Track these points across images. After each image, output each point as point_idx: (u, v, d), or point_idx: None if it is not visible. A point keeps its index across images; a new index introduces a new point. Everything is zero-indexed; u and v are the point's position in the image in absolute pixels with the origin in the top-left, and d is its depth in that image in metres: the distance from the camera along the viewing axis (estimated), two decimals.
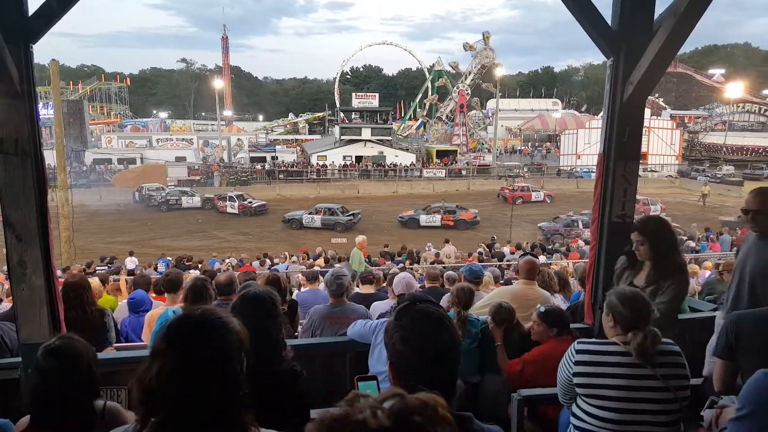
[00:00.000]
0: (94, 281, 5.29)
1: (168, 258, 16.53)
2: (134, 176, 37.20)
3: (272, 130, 65.62)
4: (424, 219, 27.77)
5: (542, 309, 3.09)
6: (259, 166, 43.90)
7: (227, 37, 74.18)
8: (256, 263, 14.51)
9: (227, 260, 15.77)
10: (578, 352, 2.22)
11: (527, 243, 17.81)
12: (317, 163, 43.87)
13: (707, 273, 8.31)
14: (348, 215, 27.96)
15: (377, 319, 3.59)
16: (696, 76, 65.96)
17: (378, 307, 4.14)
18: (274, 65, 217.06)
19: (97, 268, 12.74)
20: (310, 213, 28.18)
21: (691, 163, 50.25)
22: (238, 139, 54.28)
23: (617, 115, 3.41)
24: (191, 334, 1.27)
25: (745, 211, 2.92)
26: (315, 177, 41.63)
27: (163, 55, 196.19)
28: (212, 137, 52.09)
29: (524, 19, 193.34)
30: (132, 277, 7.89)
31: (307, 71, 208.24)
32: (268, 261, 15.04)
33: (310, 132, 67.25)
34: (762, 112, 59.40)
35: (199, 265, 14.38)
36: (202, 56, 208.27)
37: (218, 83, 53.28)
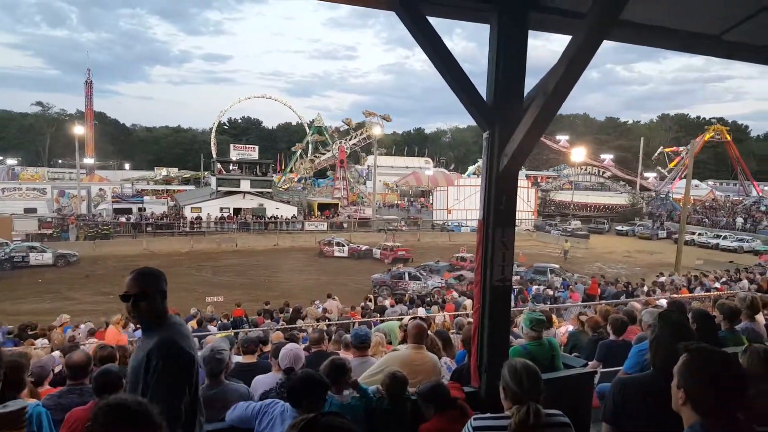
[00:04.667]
0: None
1: (7, 326, 14.18)
2: None
3: (148, 182, 61.77)
4: None
5: (419, 390, 3.08)
6: (123, 219, 40.57)
7: (92, 81, 69.19)
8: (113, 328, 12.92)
9: (82, 326, 13.92)
10: (475, 429, 2.22)
11: (407, 296, 18.16)
12: (191, 216, 41.58)
13: (570, 327, 8.66)
14: None
15: (260, 398, 3.30)
16: (546, 141, 74.50)
17: (260, 382, 3.79)
18: (143, 112, 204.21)
19: None
20: None
21: (545, 218, 56.38)
22: (100, 189, 49.96)
23: (494, 185, 3.56)
24: None
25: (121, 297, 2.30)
26: (188, 230, 39.35)
27: (15, 97, 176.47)
28: (70, 186, 47.29)
29: (397, 83, 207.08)
30: None
31: (181, 120, 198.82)
32: (131, 325, 13.51)
33: (183, 183, 64.06)
34: (601, 173, 68.59)
35: (47, 333, 12.50)
36: (62, 100, 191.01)
37: (79, 129, 48.92)
